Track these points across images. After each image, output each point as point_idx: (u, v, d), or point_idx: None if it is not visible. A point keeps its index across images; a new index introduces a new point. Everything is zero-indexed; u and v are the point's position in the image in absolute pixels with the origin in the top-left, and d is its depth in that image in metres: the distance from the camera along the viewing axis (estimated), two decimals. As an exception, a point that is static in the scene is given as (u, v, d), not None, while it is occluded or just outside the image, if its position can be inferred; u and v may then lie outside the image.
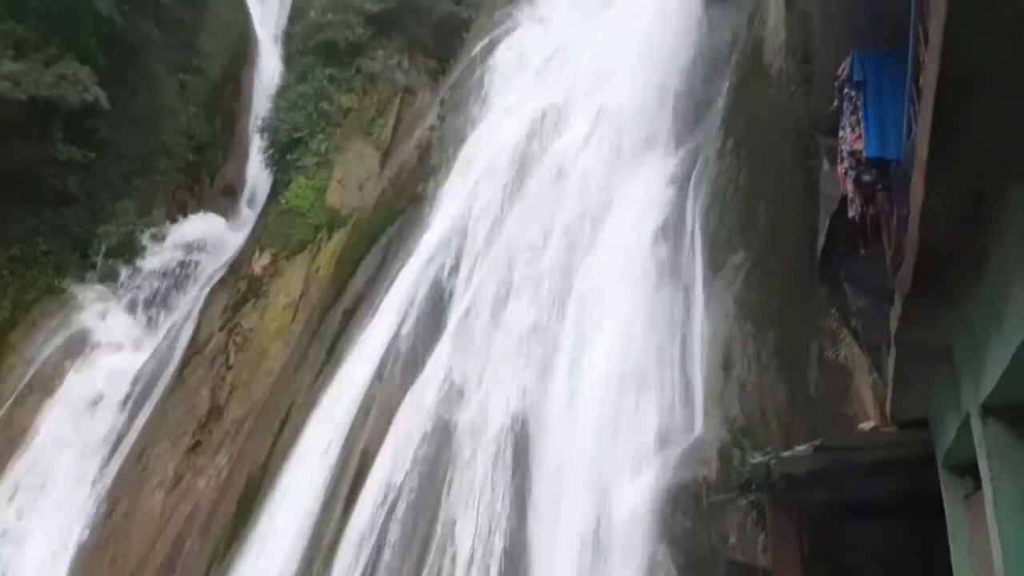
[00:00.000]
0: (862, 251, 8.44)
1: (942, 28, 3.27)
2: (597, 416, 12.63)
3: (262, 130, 27.63)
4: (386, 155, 24.91)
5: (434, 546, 12.65)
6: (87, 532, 19.08)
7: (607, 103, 17.77)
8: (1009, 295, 4.34)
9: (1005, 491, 5.29)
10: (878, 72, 7.70)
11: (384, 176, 23.41)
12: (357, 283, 19.63)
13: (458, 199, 18.78)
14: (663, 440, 12.04)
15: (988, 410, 5.31)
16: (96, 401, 21.97)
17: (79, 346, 23.29)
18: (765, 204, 13.51)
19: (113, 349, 23.46)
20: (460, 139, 20.87)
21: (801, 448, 8.74)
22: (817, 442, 8.57)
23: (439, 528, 12.82)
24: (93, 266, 25.17)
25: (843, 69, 8.17)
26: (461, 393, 14.47)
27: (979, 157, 4.02)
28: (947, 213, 4.44)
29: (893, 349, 6.66)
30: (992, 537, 5.40)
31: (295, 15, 32.01)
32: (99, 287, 24.74)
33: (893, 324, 6.22)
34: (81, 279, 24.83)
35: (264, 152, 27.33)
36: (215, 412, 20.26)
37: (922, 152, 4.14)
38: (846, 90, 8.18)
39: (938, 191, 4.26)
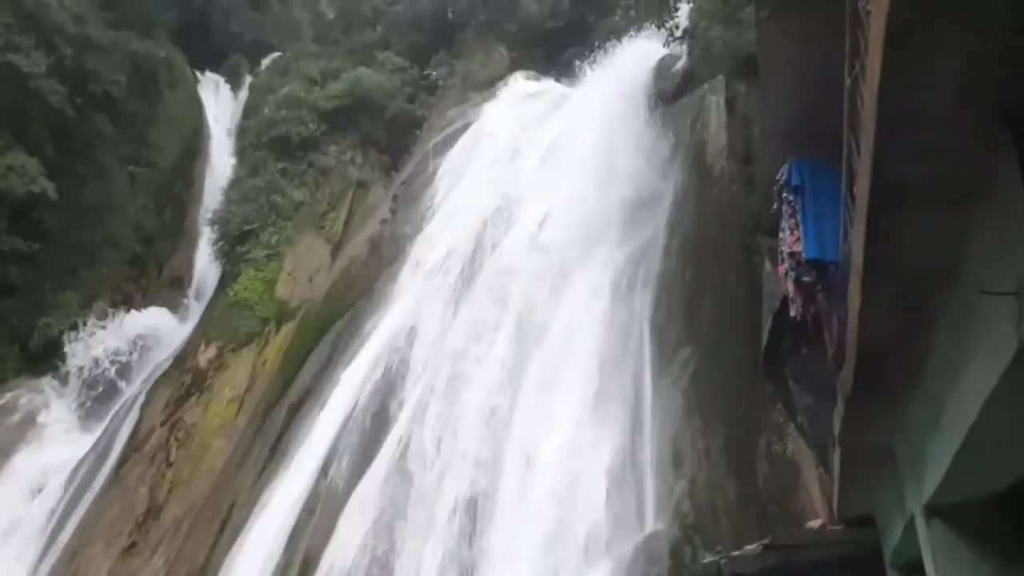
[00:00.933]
0: (804, 349, 8.59)
1: (872, 145, 3.45)
2: (547, 510, 12.47)
3: (213, 222, 27.53)
4: (337, 248, 24.95)
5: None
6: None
7: (555, 201, 18.17)
8: (947, 398, 4.46)
9: (952, 592, 5.32)
10: (815, 177, 8.00)
11: (335, 269, 23.40)
12: (304, 377, 19.35)
13: (408, 293, 18.80)
14: (614, 536, 11.91)
15: (932, 510, 5.38)
16: (32, 496, 21.07)
17: (16, 440, 22.43)
18: (710, 300, 13.78)
19: (50, 443, 22.62)
20: (411, 234, 21.03)
21: (751, 547, 8.70)
22: (766, 540, 8.55)
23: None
24: (32, 359, 24.46)
25: (782, 174, 8.48)
26: (409, 486, 14.19)
27: (913, 263, 4.18)
28: (884, 318, 4.58)
29: (837, 449, 6.75)
30: (941, 639, 5.41)
31: (249, 110, 32.40)
32: (37, 380, 24.01)
33: (836, 425, 6.32)
34: (18, 372, 24.10)
35: (214, 244, 27.17)
36: (153, 511, 19.50)
37: (857, 259, 4.30)
38: (785, 194, 8.46)
39: (874, 297, 4.41)
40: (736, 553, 9.00)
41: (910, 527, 5.85)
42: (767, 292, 11.01)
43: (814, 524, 9.09)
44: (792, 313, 8.38)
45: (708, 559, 9.34)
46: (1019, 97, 3.04)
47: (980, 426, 4.00)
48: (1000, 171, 3.29)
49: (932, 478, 4.99)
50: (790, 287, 8.31)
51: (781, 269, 8.68)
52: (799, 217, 8.19)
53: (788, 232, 8.39)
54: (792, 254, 8.17)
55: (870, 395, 5.35)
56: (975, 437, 4.13)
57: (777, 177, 8.53)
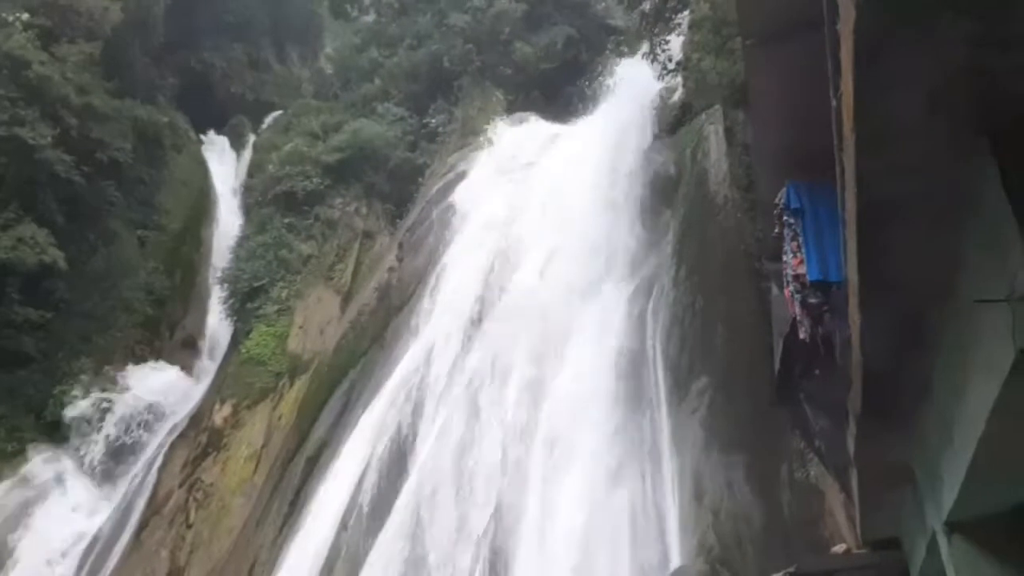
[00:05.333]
0: (817, 372, 8.52)
1: (854, 164, 3.46)
2: (570, 554, 12.30)
3: (222, 281, 27.70)
4: (346, 299, 25.03)
5: None
6: None
7: (561, 238, 18.20)
8: (955, 412, 4.41)
9: (978, 609, 5.21)
10: (814, 199, 8.00)
11: (345, 319, 23.45)
12: (320, 429, 19.30)
13: (419, 338, 18.80)
14: (640, 574, 11.75)
15: (952, 527, 5.29)
16: (52, 565, 20.98)
17: (35, 508, 22.42)
18: (722, 328, 13.70)
19: (69, 513, 22.59)
20: (419, 280, 21.09)
21: (777, 576, 8.55)
22: (792, 569, 8.40)
23: None
24: (48, 428, 24.50)
25: (780, 197, 8.49)
26: (429, 537, 14.04)
27: (909, 279, 4.16)
28: (886, 336, 4.55)
29: (855, 471, 6.66)
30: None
31: (253, 169, 32.74)
32: (54, 449, 24.03)
33: (851, 446, 6.24)
34: (35, 442, 24.13)
35: (224, 302, 27.30)
36: (175, 574, 19.38)
37: (853, 278, 4.28)
38: (785, 217, 8.46)
39: (874, 315, 4.39)
40: (762, 583, 8.86)
41: (933, 545, 5.75)
42: (776, 316, 10.96)
43: (839, 549, 8.94)
44: (801, 336, 8.34)
45: (734, 591, 9.18)
46: (993, 106, 3.04)
47: (989, 438, 3.95)
48: (982, 180, 3.29)
49: (949, 494, 4.91)
50: (797, 310, 8.29)
51: (787, 292, 8.66)
52: (800, 240, 8.18)
53: (791, 255, 8.38)
54: (796, 276, 8.16)
55: (881, 414, 5.29)
56: (985, 450, 4.07)
57: (776, 201, 8.54)
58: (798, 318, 8.30)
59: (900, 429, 5.50)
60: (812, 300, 7.88)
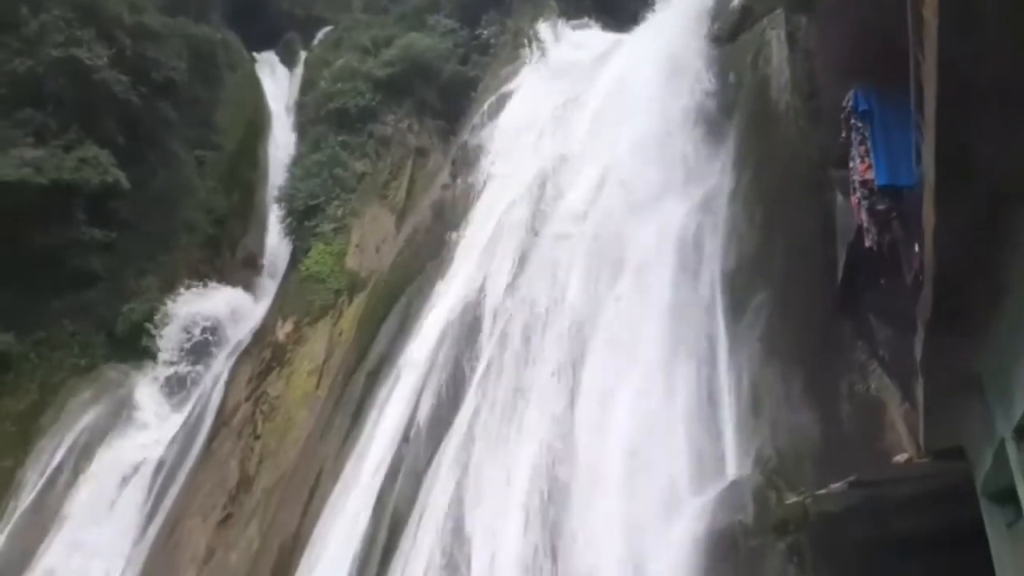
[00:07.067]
0: (882, 281, 8.35)
1: (936, 52, 3.27)
2: (627, 464, 12.41)
3: (279, 200, 28.00)
4: (401, 217, 25.13)
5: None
6: (123, 613, 18.93)
7: (617, 151, 17.86)
8: (1032, 316, 4.26)
9: (1047, 516, 5.13)
10: (882, 102, 7.72)
11: (400, 237, 23.59)
12: (379, 345, 19.62)
13: (474, 255, 18.82)
14: (696, 486, 11.81)
15: (1021, 433, 5.17)
16: (127, 479, 21.98)
17: (108, 425, 23.41)
18: (782, 241, 13.43)
19: (142, 425, 23.55)
20: (473, 196, 21.02)
21: (836, 485, 8.54)
22: (852, 478, 8.39)
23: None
24: (118, 344, 25.38)
25: (847, 101, 8.20)
26: (488, 444, 14.30)
27: (990, 176, 3.97)
28: (962, 237, 4.37)
29: (921, 379, 6.54)
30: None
31: (305, 86, 32.70)
32: (125, 365, 24.93)
33: (918, 353, 6.12)
34: (107, 358, 25.05)
35: (282, 221, 27.65)
36: (244, 483, 20.16)
37: (929, 176, 4.10)
38: (852, 121, 8.19)
39: (950, 215, 4.21)
40: (821, 492, 8.86)
41: (1000, 453, 5.65)
42: (841, 226, 10.74)
43: (900, 458, 8.88)
44: (867, 244, 8.17)
45: (792, 500, 9.20)
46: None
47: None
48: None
49: (1021, 401, 4.79)
50: (864, 217, 8.10)
51: (854, 199, 8.44)
52: (869, 144, 7.94)
53: (858, 161, 8.16)
54: (864, 182, 7.95)
55: (951, 320, 5.14)
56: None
57: (844, 104, 8.26)
58: (864, 226, 8.10)
59: (971, 335, 5.35)
60: (880, 206, 7.68)
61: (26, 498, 21.89)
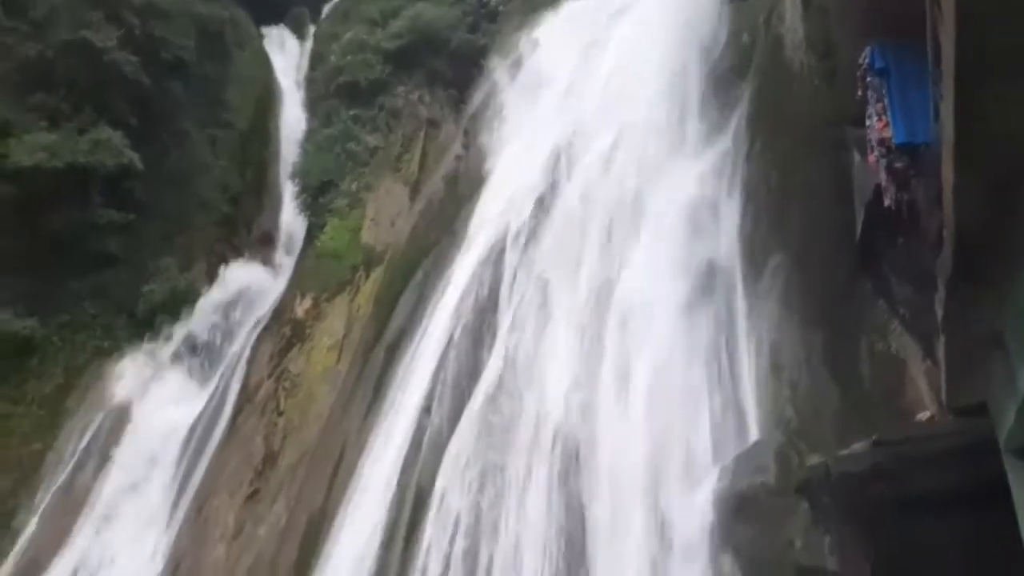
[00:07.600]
0: (901, 240, 8.29)
1: (954, 6, 3.22)
2: (648, 427, 12.48)
3: (293, 176, 28.06)
4: (415, 189, 25.12)
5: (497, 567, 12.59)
6: (155, 592, 19.24)
7: (630, 114, 17.73)
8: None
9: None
10: (899, 59, 7.60)
11: (415, 210, 23.59)
12: (397, 319, 19.71)
13: (490, 225, 18.81)
14: (717, 448, 11.87)
15: (1046, 390, 5.15)
16: (154, 459, 22.26)
17: (135, 404, 23.69)
18: (799, 202, 13.32)
19: (166, 405, 23.80)
20: (487, 166, 20.95)
21: (858, 445, 8.55)
22: (874, 437, 8.38)
23: (499, 547, 12.73)
24: (140, 325, 25.61)
25: (864, 58, 8.09)
26: (510, 413, 14.39)
27: (1009, 132, 3.92)
28: (981, 194, 4.33)
29: (943, 337, 6.51)
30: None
31: (315, 60, 32.58)
32: (147, 345, 25.17)
33: (939, 311, 6.08)
34: (129, 339, 25.28)
35: (296, 197, 27.73)
36: (270, 459, 20.41)
37: (948, 133, 4.06)
38: (869, 79, 8.08)
39: (969, 171, 4.17)
40: (843, 452, 8.86)
41: (1023, 408, 5.64)
42: (858, 185, 10.61)
43: (923, 416, 8.86)
44: (886, 202, 8.09)
45: (815, 460, 9.22)
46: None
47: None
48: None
49: (1045, 356, 4.77)
50: (882, 175, 8.02)
51: (871, 158, 8.35)
52: (886, 102, 7.83)
53: (875, 119, 8.05)
54: (881, 140, 7.85)
55: (971, 276, 5.11)
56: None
57: (860, 61, 8.15)
58: (883, 184, 8.02)
59: (992, 292, 5.31)
60: (898, 164, 7.59)
61: (57, 480, 22.24)
